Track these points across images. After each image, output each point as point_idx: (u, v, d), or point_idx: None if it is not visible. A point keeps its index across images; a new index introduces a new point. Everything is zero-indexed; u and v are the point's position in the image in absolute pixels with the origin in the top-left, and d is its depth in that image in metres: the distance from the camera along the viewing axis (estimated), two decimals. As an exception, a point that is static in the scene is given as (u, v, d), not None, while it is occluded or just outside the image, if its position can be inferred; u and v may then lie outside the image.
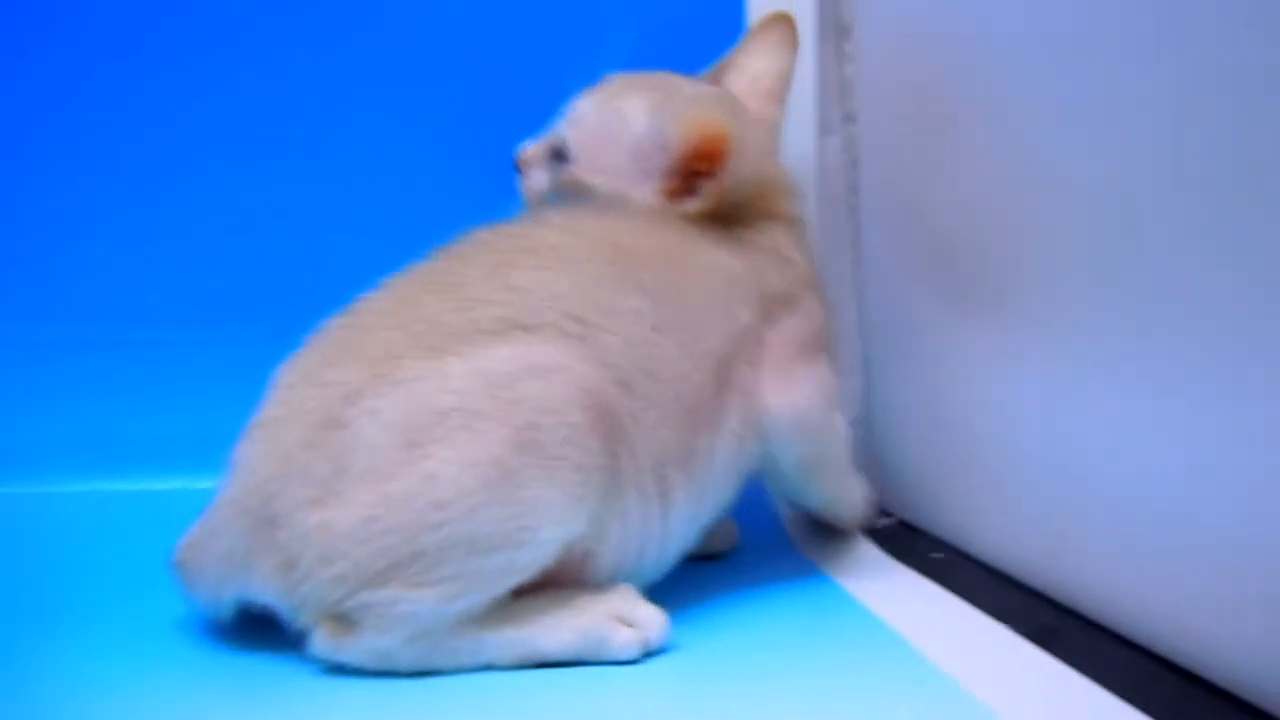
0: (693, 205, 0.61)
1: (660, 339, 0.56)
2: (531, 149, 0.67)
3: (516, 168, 0.68)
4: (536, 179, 0.67)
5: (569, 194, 0.64)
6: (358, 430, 0.50)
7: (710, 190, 0.61)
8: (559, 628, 0.51)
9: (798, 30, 0.70)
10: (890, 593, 0.61)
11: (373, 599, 0.48)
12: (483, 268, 0.56)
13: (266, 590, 0.51)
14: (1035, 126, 0.57)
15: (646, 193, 0.62)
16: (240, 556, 0.51)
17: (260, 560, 0.51)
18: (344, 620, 0.49)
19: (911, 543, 0.71)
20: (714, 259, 0.60)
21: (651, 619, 0.53)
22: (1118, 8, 0.50)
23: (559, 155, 0.65)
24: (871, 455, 0.78)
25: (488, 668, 0.50)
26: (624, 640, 0.52)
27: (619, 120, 0.64)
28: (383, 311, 0.55)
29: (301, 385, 0.53)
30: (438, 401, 0.50)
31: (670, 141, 0.61)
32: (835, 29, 0.80)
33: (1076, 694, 0.47)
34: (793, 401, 0.60)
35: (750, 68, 0.69)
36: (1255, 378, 0.43)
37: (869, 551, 0.70)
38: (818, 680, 0.50)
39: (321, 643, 0.50)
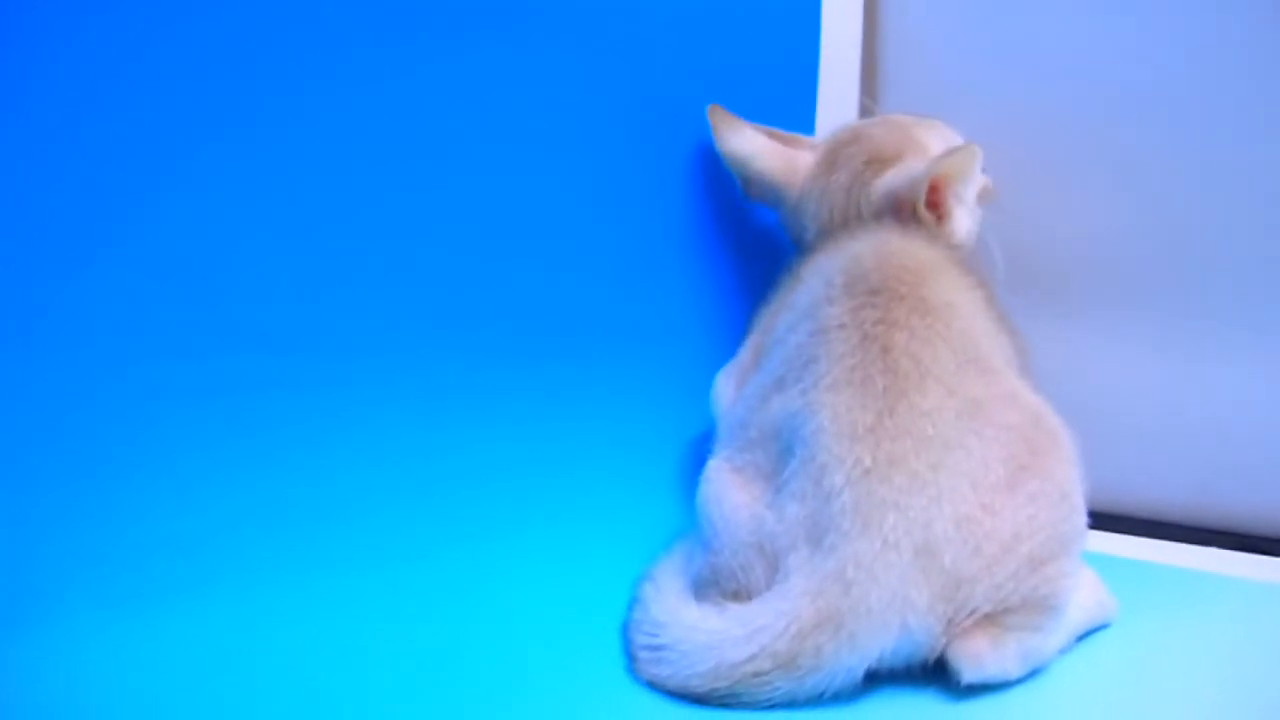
0: None
1: None
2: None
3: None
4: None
5: None
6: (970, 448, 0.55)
7: None
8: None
9: None
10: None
11: (1033, 594, 0.54)
12: None
13: (926, 621, 0.53)
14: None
15: None
16: (902, 596, 0.53)
17: (921, 592, 0.53)
18: (997, 624, 0.54)
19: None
20: None
21: None
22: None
23: None
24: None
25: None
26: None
27: None
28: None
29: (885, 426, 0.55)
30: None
31: None
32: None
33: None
34: None
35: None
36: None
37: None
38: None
39: (972, 655, 0.54)
